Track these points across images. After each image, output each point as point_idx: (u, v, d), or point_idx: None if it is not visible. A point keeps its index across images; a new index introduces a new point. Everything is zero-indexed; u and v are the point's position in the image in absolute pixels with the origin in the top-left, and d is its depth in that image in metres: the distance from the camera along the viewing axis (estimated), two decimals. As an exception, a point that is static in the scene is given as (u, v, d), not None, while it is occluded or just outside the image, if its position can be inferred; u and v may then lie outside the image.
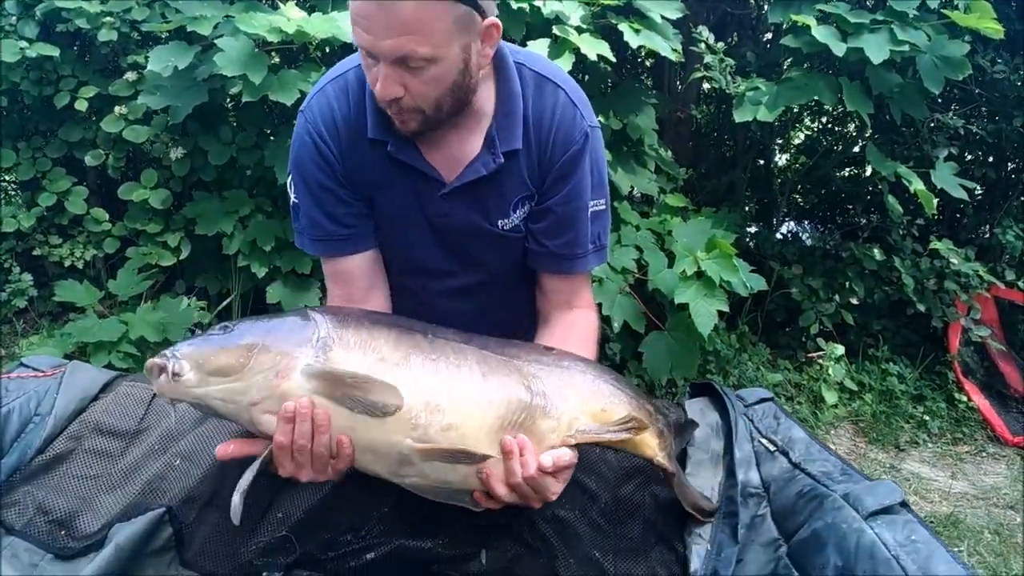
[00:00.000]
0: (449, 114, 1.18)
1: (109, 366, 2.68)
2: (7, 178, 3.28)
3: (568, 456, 1.11)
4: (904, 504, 1.24)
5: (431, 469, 1.10)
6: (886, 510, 1.23)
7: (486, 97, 1.25)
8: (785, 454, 1.48)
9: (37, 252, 3.13)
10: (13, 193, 3.23)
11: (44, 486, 1.34)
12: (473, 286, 1.38)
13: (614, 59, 2.65)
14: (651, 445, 1.25)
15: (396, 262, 1.37)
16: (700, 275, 2.70)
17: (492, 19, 1.13)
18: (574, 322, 1.38)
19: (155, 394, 1.53)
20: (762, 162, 4.07)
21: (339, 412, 1.07)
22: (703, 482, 1.48)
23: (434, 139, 1.23)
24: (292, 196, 1.32)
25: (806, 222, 4.48)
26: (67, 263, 3.12)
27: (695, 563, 1.31)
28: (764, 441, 1.54)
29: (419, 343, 1.12)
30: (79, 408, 1.46)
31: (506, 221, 1.31)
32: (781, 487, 1.42)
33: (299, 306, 2.99)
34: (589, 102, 1.31)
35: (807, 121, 4.18)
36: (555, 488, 1.10)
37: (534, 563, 1.33)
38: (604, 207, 1.35)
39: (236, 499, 1.09)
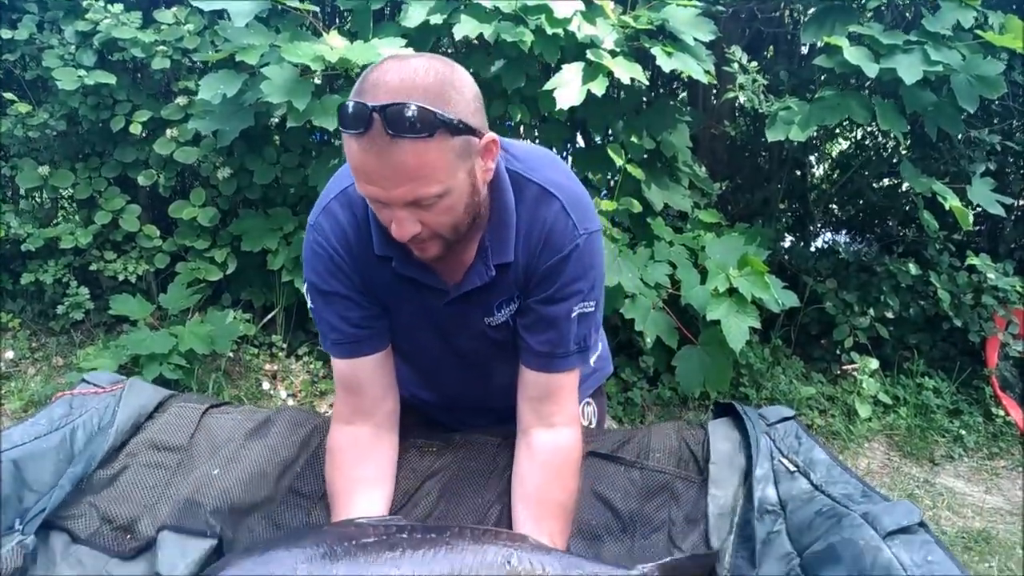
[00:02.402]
0: (466, 232, 1.19)
1: (160, 377, 2.82)
2: (65, 195, 3.43)
3: None
4: (922, 524, 1.26)
5: None
6: (904, 530, 1.26)
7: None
8: (806, 475, 1.52)
9: (93, 267, 3.27)
10: (71, 211, 3.38)
11: (105, 497, 1.44)
12: (475, 373, 1.45)
13: (647, 82, 2.70)
14: None
15: (406, 354, 1.45)
16: (732, 292, 2.73)
17: (489, 136, 1.12)
18: (552, 458, 1.34)
19: (202, 413, 1.65)
20: (799, 172, 4.06)
21: None
22: (726, 494, 1.52)
23: None
24: (310, 303, 1.34)
25: (843, 231, 4.46)
26: (120, 277, 3.25)
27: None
28: (784, 461, 1.58)
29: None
30: (136, 424, 1.57)
31: (492, 319, 1.34)
32: (799, 506, 1.45)
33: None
34: (590, 205, 1.29)
35: (842, 134, 4.16)
36: None
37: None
38: (592, 309, 1.33)
39: None
